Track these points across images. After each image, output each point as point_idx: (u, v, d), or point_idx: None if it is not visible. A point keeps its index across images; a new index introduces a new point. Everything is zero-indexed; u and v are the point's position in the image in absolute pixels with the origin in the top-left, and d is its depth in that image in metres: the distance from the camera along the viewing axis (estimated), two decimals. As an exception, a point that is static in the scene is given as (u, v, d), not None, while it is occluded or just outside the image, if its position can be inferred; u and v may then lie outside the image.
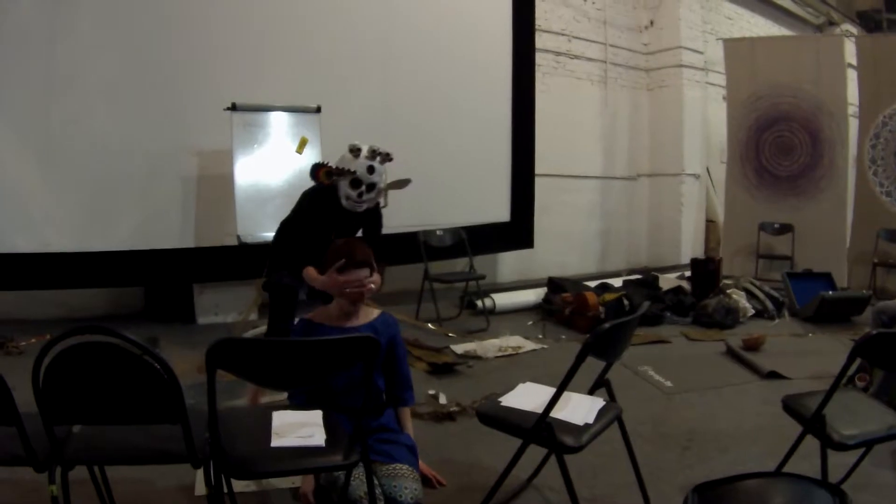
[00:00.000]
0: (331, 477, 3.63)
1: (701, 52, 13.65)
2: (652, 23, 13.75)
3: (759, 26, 15.59)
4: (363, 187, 5.19)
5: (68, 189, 7.81)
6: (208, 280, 8.46)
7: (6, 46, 7.55)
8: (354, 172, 5.15)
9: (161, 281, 8.60)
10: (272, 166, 7.49)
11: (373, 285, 3.82)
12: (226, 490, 3.08)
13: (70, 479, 2.98)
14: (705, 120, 13.76)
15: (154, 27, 8.05)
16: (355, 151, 5.21)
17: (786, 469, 3.55)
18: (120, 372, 2.71)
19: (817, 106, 10.97)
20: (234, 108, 7.41)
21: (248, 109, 7.52)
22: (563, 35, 12.51)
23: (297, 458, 2.97)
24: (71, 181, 7.82)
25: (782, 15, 16.33)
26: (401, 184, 5.80)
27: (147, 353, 2.68)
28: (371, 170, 5.19)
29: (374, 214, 5.51)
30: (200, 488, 3.96)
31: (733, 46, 12.01)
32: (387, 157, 5.24)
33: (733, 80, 11.82)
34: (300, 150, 7.38)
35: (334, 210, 5.22)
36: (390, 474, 3.62)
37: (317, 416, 3.26)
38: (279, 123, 7.70)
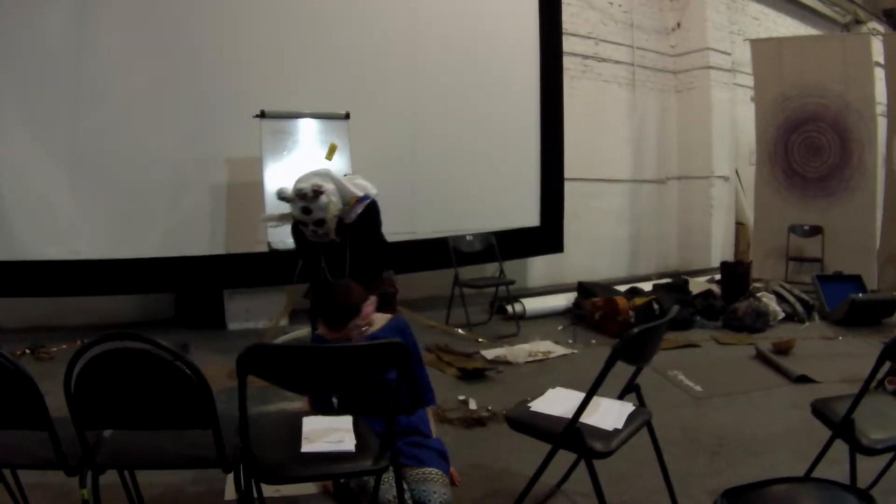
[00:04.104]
0: (361, 481, 3.66)
1: (728, 54, 13.61)
2: (679, 24, 13.71)
3: (786, 26, 15.52)
4: (311, 226, 5.17)
5: (98, 197, 7.90)
6: (239, 286, 8.51)
7: (35, 59, 7.65)
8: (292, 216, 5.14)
9: (192, 287, 8.66)
10: (302, 173, 7.48)
11: (362, 329, 3.85)
12: (256, 495, 3.11)
13: (101, 483, 3.00)
14: (734, 121, 13.70)
15: (181, 36, 8.13)
16: (285, 199, 5.17)
17: (815, 474, 3.55)
18: (151, 378, 2.75)
19: (845, 106, 10.90)
20: (262, 115, 7.46)
21: (276, 117, 7.57)
22: (590, 38, 12.51)
23: (328, 463, 3.01)
24: (101, 190, 7.90)
25: (808, 14, 16.25)
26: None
27: (178, 358, 2.72)
28: (307, 211, 5.13)
29: (363, 222, 5.33)
30: (230, 493, 3.99)
31: (760, 47, 11.95)
32: (315, 194, 5.09)
33: (761, 80, 11.76)
34: (329, 156, 7.40)
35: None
36: (420, 478, 3.64)
37: (347, 421, 3.29)
38: (308, 130, 7.75)
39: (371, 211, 5.06)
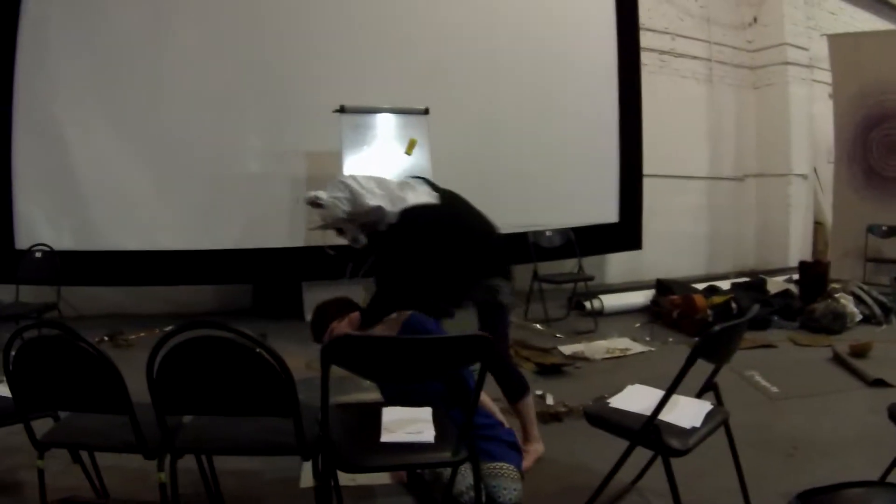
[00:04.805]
0: (434, 472, 3.72)
1: (806, 49, 13.43)
2: (755, 19, 13.57)
3: (863, 20, 15.17)
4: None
5: (178, 189, 8.12)
6: (317, 278, 8.59)
7: (115, 54, 7.88)
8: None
9: (270, 279, 8.80)
10: (381, 167, 7.55)
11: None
12: (332, 483, 3.17)
13: (178, 467, 3.10)
14: (812, 118, 13.50)
15: (262, 32, 8.32)
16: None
17: (890, 479, 3.53)
18: (234, 366, 2.84)
19: (925, 104, 10.70)
20: (342, 110, 7.54)
21: (356, 111, 7.63)
22: (666, 33, 12.47)
23: (406, 453, 3.07)
24: (180, 182, 8.12)
25: (885, 8, 15.87)
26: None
27: (261, 347, 2.79)
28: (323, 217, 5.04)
29: (394, 234, 4.63)
30: (306, 481, 4.10)
31: (838, 42, 11.74)
32: (316, 205, 4.92)
33: (839, 76, 11.58)
34: (409, 151, 7.49)
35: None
36: (492, 473, 3.66)
37: (426, 412, 3.34)
38: (387, 125, 7.81)
39: (403, 223, 4.47)
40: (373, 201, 4.30)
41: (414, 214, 4.27)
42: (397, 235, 4.30)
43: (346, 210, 4.36)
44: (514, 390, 4.50)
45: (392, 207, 4.30)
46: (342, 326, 4.03)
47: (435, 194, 4.50)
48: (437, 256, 4.38)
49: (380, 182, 4.46)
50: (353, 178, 4.49)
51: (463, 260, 4.50)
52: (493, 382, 4.42)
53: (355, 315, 4.11)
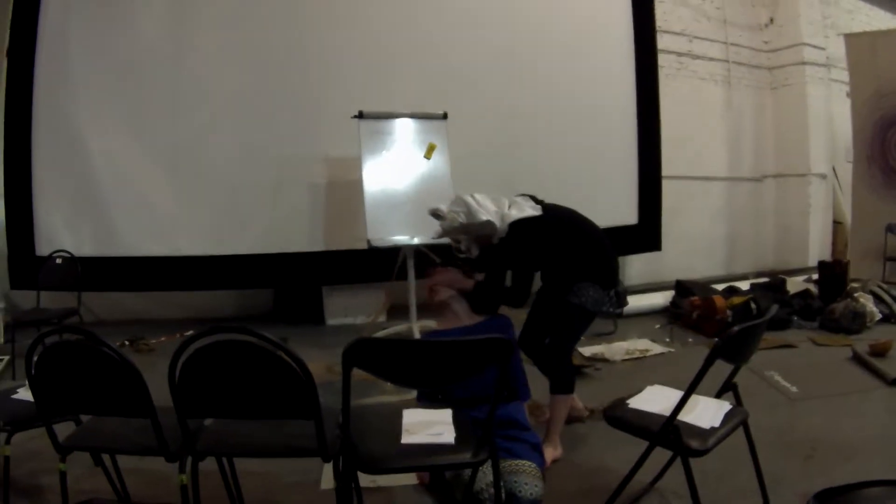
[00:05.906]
0: (455, 472, 3.75)
1: (823, 49, 13.36)
2: (772, 20, 13.51)
3: (879, 19, 15.05)
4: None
5: (198, 195, 8.17)
6: (337, 283, 8.63)
7: (135, 61, 7.95)
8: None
9: (291, 283, 8.84)
10: (401, 172, 7.58)
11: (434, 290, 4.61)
12: (353, 485, 3.20)
13: (199, 470, 3.13)
14: (830, 118, 13.44)
15: (280, 39, 8.35)
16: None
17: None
18: (255, 369, 2.86)
19: (943, 103, 10.63)
20: (361, 116, 7.54)
21: (374, 117, 7.63)
22: (683, 35, 12.42)
23: (427, 454, 3.08)
24: (201, 187, 8.17)
25: (901, 6, 15.84)
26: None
27: (283, 350, 2.82)
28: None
29: (500, 246, 4.86)
30: (327, 483, 4.15)
31: (855, 41, 11.62)
32: (436, 216, 5.00)
33: (856, 76, 11.47)
34: (428, 155, 7.51)
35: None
36: (512, 470, 3.72)
37: (446, 414, 3.37)
38: (406, 130, 7.80)
39: (511, 235, 4.72)
40: (484, 216, 4.53)
41: (518, 226, 4.54)
42: (506, 245, 4.57)
43: (462, 222, 4.60)
44: (559, 385, 4.66)
45: (501, 224, 4.56)
46: (457, 277, 4.63)
47: (538, 207, 4.77)
48: (536, 262, 4.69)
49: (496, 201, 4.73)
50: (472, 195, 4.72)
51: (558, 264, 4.76)
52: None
53: (471, 283, 4.54)
